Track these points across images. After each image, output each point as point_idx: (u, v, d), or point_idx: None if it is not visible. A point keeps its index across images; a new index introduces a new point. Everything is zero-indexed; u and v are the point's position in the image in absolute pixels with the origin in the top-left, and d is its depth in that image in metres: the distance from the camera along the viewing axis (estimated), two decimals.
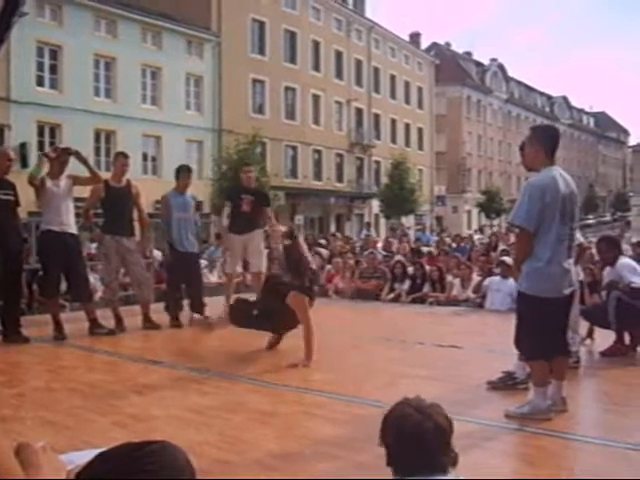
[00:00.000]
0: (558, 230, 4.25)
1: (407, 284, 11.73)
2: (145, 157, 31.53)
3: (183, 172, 8.60)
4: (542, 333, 4.26)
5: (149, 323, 7.92)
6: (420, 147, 55.32)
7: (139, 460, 1.52)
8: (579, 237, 5.58)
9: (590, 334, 6.93)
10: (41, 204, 7.30)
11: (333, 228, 41.40)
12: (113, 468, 1.52)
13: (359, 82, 47.23)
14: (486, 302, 10.14)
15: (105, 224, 7.90)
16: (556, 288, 4.28)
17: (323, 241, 17.76)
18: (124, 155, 8.06)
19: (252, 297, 7.18)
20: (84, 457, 1.69)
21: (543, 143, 4.42)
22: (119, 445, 1.62)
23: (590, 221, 56.94)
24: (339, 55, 45.09)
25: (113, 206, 7.72)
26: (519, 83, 77.11)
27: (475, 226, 54.10)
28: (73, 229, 7.36)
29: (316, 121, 42.69)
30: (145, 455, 1.53)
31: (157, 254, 10.57)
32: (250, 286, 10.32)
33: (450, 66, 61.45)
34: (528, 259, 4.29)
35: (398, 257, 13.27)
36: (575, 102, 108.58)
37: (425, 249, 15.44)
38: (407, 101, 53.69)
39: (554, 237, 4.23)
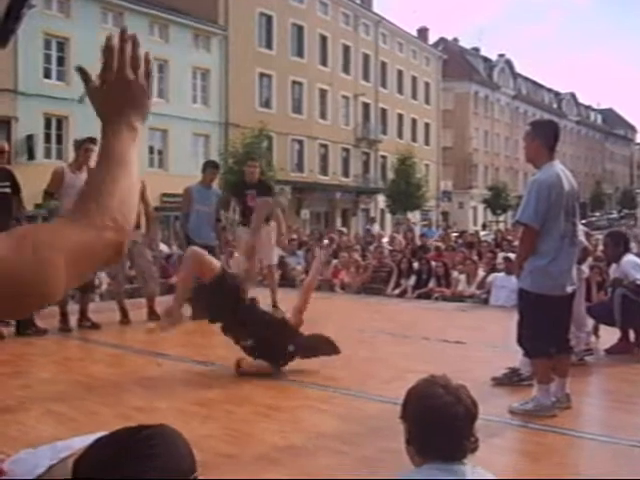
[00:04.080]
0: (561, 227, 4.24)
1: (413, 279, 11.74)
2: (151, 150, 31.55)
3: (209, 167, 8.81)
4: (544, 330, 4.26)
5: (154, 316, 7.93)
6: (427, 142, 55.20)
7: (137, 444, 1.51)
8: (582, 240, 5.57)
9: (595, 331, 6.91)
10: (58, 195, 7.31)
11: (339, 223, 41.37)
12: (112, 453, 1.51)
13: (366, 77, 47.14)
14: (491, 298, 10.14)
15: None
16: (559, 286, 4.28)
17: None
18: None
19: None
20: (84, 442, 1.68)
21: (545, 138, 4.40)
22: (117, 430, 1.61)
23: (595, 218, 56.62)
24: (346, 49, 44.99)
25: None
26: (527, 79, 76.80)
27: (481, 222, 54.03)
28: None
29: (323, 115, 42.63)
30: (143, 439, 1.52)
31: (164, 247, 10.60)
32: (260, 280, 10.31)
33: (458, 61, 61.23)
34: (531, 256, 4.28)
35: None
36: (583, 99, 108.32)
37: (433, 243, 15.41)
38: (414, 96, 53.56)
39: (558, 234, 4.23)
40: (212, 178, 8.75)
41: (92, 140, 7.44)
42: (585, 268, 6.35)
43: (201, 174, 8.76)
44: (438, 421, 1.88)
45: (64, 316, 7.27)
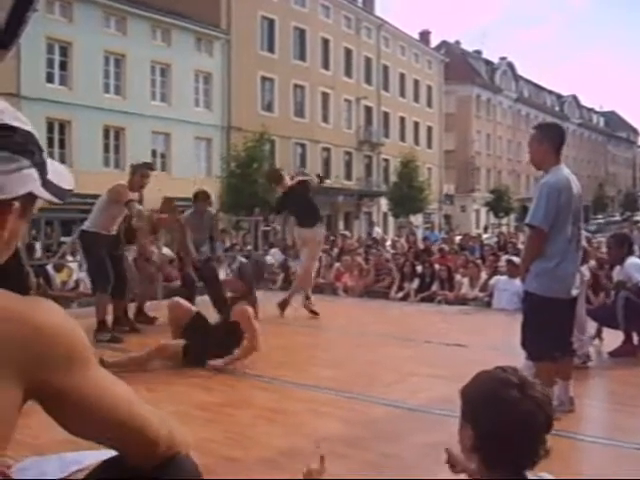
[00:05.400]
0: (569, 230, 4.24)
1: (416, 283, 11.73)
2: (154, 154, 31.60)
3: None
4: (550, 334, 4.24)
5: (142, 317, 8.00)
6: (429, 145, 55.23)
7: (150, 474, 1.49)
8: (583, 243, 5.56)
9: (598, 334, 6.89)
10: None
11: (341, 226, 41.38)
12: (119, 477, 1.48)
13: (368, 80, 47.18)
14: (493, 301, 10.12)
15: None
16: (565, 289, 4.27)
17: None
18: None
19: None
20: (95, 458, 1.65)
21: (552, 142, 4.39)
22: None
23: (599, 221, 56.32)
24: (348, 53, 45.05)
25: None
26: (529, 82, 76.79)
27: (484, 225, 54.03)
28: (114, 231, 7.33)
29: (325, 119, 42.68)
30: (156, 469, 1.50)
31: (167, 251, 10.59)
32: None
33: (460, 64, 61.25)
34: (538, 259, 4.26)
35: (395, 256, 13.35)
36: (585, 101, 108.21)
37: (435, 246, 15.44)
38: (416, 99, 53.60)
39: (565, 237, 4.22)
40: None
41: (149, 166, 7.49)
42: (585, 271, 6.34)
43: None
44: (515, 429, 1.67)
45: (104, 323, 7.16)
